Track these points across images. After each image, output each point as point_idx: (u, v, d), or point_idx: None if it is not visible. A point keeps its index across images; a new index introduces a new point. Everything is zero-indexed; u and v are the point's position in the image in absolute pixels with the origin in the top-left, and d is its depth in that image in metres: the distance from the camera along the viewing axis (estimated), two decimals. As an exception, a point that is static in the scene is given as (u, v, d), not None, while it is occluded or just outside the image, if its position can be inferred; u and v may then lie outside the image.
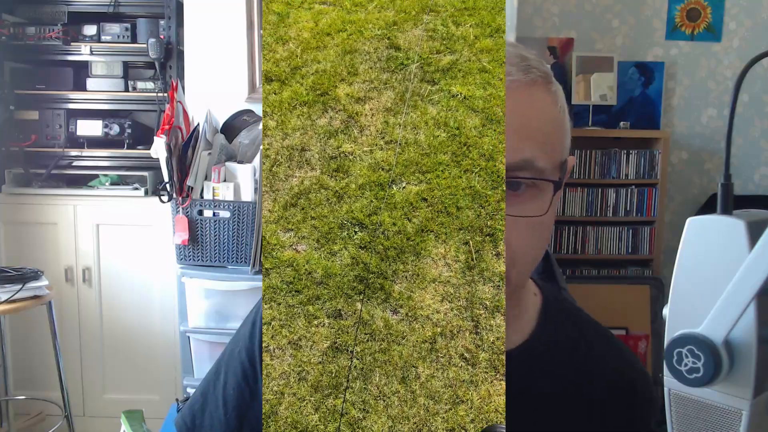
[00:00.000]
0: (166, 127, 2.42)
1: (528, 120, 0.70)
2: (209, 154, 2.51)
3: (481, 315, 1.07)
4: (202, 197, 2.48)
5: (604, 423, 0.81)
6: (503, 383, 0.98)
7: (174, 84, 2.59)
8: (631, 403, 0.83)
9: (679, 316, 0.59)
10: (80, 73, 3.04)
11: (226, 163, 2.52)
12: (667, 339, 0.59)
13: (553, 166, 0.72)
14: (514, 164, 0.69)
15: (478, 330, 1.05)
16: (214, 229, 2.47)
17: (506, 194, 0.70)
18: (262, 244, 1.61)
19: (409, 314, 1.07)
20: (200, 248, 2.49)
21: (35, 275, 2.40)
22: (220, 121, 2.72)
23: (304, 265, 1.10)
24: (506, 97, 0.70)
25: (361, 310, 1.06)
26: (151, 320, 2.91)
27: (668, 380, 0.59)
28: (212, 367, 0.89)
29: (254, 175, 2.48)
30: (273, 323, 1.03)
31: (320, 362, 1.00)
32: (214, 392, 0.86)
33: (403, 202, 1.20)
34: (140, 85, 3.03)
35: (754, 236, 0.56)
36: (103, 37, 2.99)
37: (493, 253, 1.13)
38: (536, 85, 0.71)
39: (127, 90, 3.03)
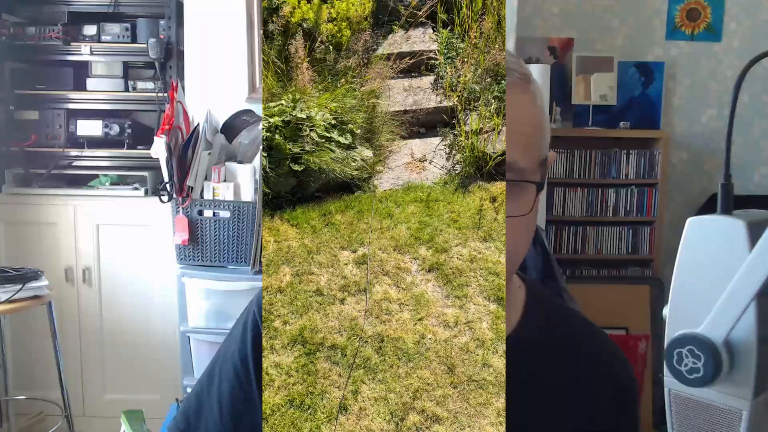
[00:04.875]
0: (166, 127, 2.42)
1: (509, 122, 0.72)
2: (209, 154, 2.51)
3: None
4: (202, 197, 2.48)
5: (590, 416, 0.82)
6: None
7: (174, 84, 2.59)
8: (618, 400, 0.84)
9: (679, 316, 0.59)
10: (80, 73, 3.04)
11: (226, 163, 2.52)
12: (667, 339, 0.59)
13: (533, 167, 0.74)
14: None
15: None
16: (214, 229, 2.47)
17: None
18: (261, 244, 1.62)
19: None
20: (200, 248, 2.49)
21: (35, 275, 2.40)
22: (220, 121, 2.72)
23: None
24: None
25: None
26: (151, 320, 2.91)
27: (668, 380, 0.59)
28: (205, 371, 0.89)
29: (254, 175, 2.48)
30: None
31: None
32: (209, 396, 0.86)
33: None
34: (140, 85, 3.03)
35: (754, 236, 0.56)
36: (103, 37, 2.99)
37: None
38: (515, 87, 0.73)
39: (127, 90, 3.03)
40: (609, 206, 3.49)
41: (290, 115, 1.56)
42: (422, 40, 2.07)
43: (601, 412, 0.82)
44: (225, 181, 2.49)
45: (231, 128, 2.68)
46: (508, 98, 0.73)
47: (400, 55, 1.98)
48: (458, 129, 1.74)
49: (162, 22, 2.95)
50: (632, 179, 3.48)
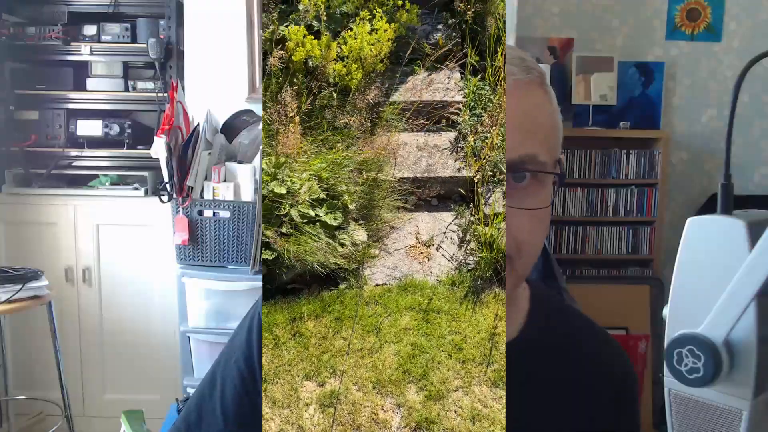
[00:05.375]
0: (166, 127, 2.42)
1: (531, 117, 0.73)
2: (209, 154, 2.51)
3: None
4: (202, 197, 2.48)
5: (591, 416, 0.82)
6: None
7: (174, 84, 2.59)
8: (618, 399, 0.85)
9: (679, 316, 0.59)
10: (80, 73, 3.04)
11: (226, 163, 2.52)
12: (667, 339, 0.59)
13: (552, 162, 0.75)
14: (519, 158, 0.71)
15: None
16: (214, 229, 2.47)
17: (511, 187, 0.72)
18: (261, 244, 1.59)
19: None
20: (200, 248, 2.49)
21: (35, 275, 2.40)
22: (220, 121, 2.72)
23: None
24: (508, 95, 0.72)
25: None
26: (151, 320, 2.91)
27: (668, 380, 0.59)
28: (206, 378, 0.87)
29: (254, 175, 2.48)
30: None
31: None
32: (211, 403, 0.84)
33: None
34: (140, 85, 3.03)
35: (754, 236, 0.56)
36: (103, 37, 2.99)
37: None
38: (535, 85, 0.75)
39: (127, 90, 3.03)
40: (609, 206, 3.49)
41: (267, 188, 1.27)
42: (446, 86, 1.74)
43: (602, 412, 0.82)
44: (225, 181, 2.49)
45: (231, 128, 2.68)
46: (526, 96, 0.73)
47: (419, 108, 1.65)
48: (476, 215, 1.39)
49: (162, 22, 2.95)
50: (632, 179, 3.48)
